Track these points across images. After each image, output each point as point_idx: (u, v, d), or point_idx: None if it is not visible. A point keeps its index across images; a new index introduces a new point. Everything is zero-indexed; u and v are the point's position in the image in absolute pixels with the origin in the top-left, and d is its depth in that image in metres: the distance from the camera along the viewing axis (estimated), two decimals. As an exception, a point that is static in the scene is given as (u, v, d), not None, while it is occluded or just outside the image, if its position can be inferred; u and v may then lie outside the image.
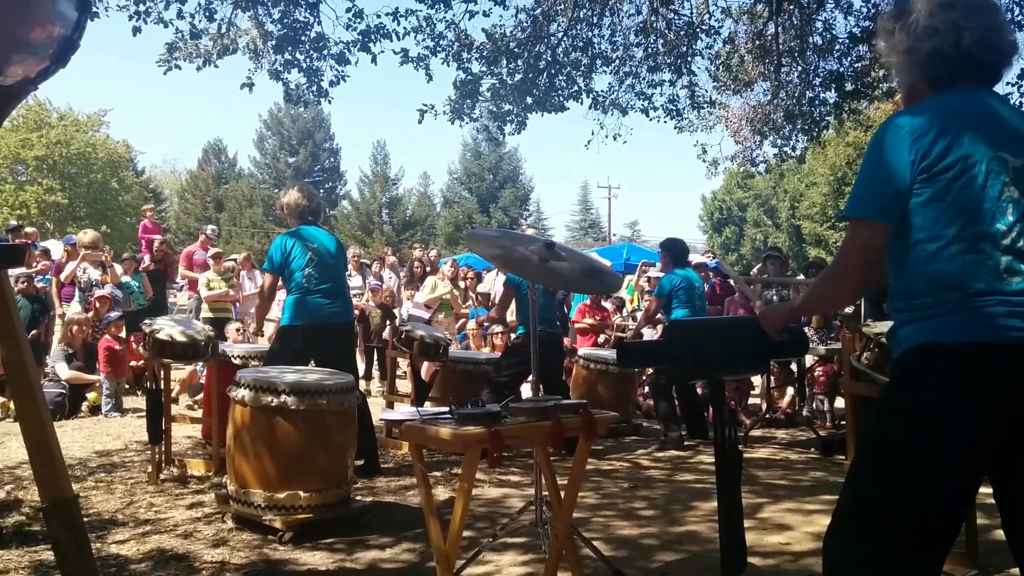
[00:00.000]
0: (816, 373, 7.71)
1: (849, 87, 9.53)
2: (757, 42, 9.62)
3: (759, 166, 13.78)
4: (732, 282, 9.38)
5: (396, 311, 10.52)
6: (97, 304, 8.69)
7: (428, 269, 11.56)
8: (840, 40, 9.31)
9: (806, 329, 7.54)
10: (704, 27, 8.75)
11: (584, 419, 2.72)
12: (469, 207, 44.19)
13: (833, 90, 9.59)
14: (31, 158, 30.33)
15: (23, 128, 30.22)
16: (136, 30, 7.04)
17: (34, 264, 9.62)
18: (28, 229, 11.92)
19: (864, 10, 9.03)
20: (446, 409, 2.81)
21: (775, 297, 9.24)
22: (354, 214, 44.63)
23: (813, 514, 4.36)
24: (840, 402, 7.31)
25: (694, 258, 9.36)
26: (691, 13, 8.81)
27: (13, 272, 7.22)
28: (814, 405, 7.83)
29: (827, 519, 1.92)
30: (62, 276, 9.51)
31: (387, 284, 11.07)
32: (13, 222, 13.35)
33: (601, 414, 2.91)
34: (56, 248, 10.88)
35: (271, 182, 45.82)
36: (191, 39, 7.23)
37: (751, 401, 8.61)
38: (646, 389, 8.10)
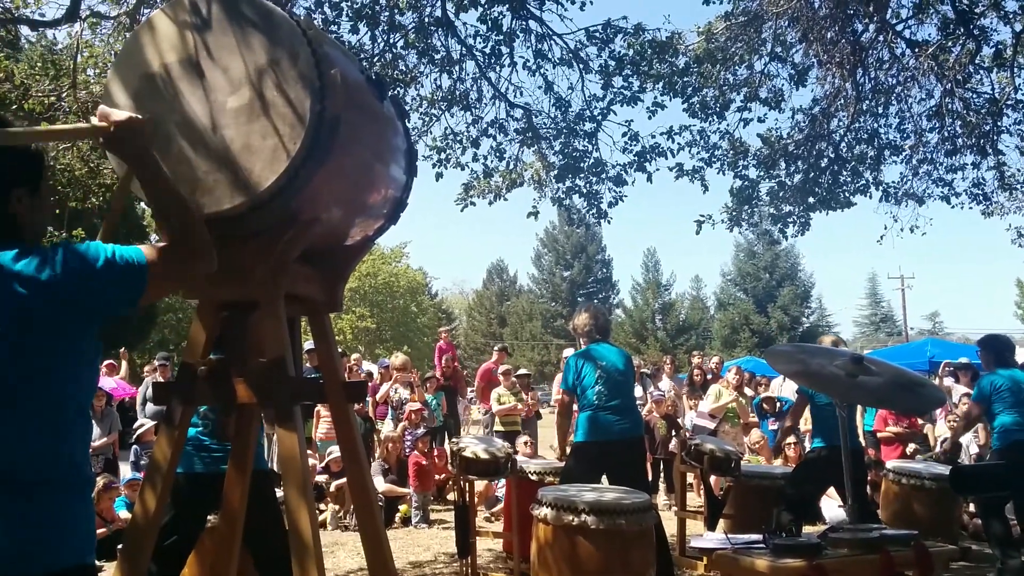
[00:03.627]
0: None
1: None
2: (1080, 109, 8.53)
3: (1090, 245, 11.89)
4: None
5: (680, 421, 10.33)
6: (412, 416, 9.56)
7: (709, 377, 11.28)
8: None
9: None
10: (1010, 102, 7.95)
11: (919, 554, 2.45)
12: (745, 308, 42.86)
13: None
14: (347, 290, 34.76)
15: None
16: (439, 175, 7.90)
17: (365, 389, 10.80)
18: (354, 356, 13.44)
19: None
20: (758, 537, 2.68)
21: None
22: (628, 322, 45.18)
23: None
24: None
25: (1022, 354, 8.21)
26: (992, 89, 8.07)
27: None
28: None
29: None
30: (377, 396, 10.60)
31: (668, 394, 10.96)
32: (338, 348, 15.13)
33: (937, 547, 2.61)
34: (373, 370, 12.17)
35: (548, 296, 48.21)
36: (484, 178, 7.99)
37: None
38: (971, 507, 7.10)
